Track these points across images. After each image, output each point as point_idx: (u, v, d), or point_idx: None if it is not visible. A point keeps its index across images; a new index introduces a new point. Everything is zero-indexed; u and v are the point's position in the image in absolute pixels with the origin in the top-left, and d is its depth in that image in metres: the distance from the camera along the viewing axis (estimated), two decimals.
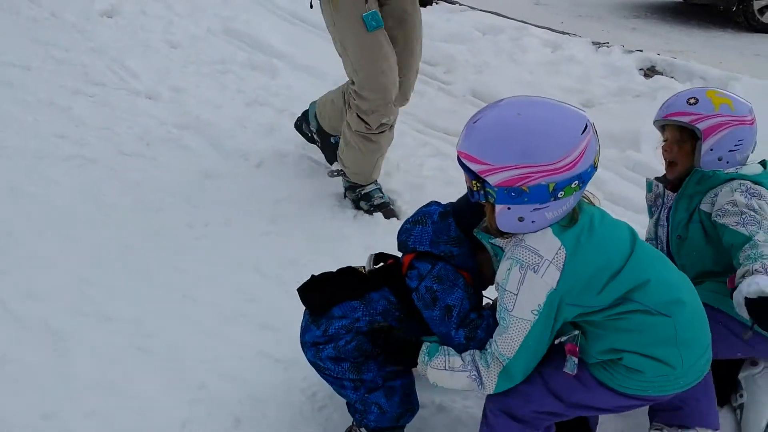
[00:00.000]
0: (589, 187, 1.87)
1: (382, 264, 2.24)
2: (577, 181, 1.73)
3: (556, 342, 1.85)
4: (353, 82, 3.34)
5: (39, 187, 3.60)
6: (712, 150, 2.37)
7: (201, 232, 3.33)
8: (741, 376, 2.43)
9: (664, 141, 2.49)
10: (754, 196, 2.26)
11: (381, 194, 3.57)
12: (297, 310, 2.80)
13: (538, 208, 1.73)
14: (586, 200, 1.89)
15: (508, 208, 1.75)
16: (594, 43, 5.62)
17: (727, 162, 2.38)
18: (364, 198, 3.54)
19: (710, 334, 1.93)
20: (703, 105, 2.37)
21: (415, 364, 2.02)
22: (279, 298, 2.89)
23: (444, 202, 2.17)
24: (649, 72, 5.22)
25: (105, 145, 4.05)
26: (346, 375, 2.13)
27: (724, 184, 2.33)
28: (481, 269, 2.08)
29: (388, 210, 3.52)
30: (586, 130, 1.73)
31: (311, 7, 3.42)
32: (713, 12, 8.55)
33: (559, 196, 1.72)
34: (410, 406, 2.20)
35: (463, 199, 2.06)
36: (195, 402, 2.43)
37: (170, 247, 3.21)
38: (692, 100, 2.39)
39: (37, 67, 4.93)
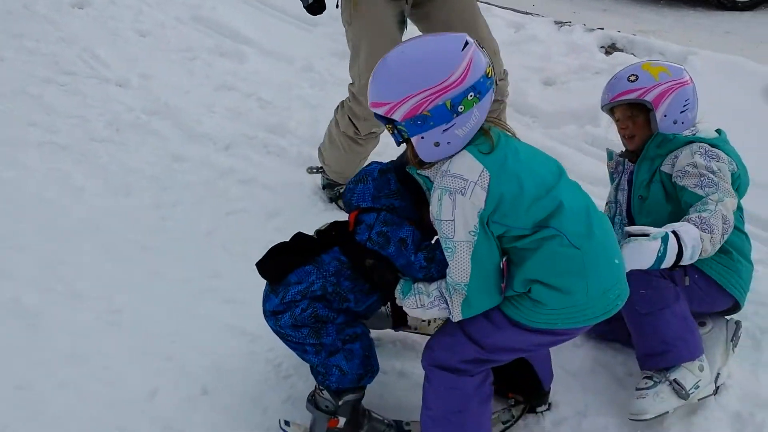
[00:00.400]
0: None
1: (327, 224, 2.31)
2: (472, 93, 1.85)
3: None
4: (353, 84, 3.35)
5: (11, 173, 3.68)
6: (666, 116, 2.52)
7: (169, 213, 3.43)
8: None
9: (616, 121, 2.63)
10: (713, 159, 2.41)
11: None
12: (262, 285, 2.91)
13: (447, 128, 1.86)
14: (509, 133, 2.00)
15: (422, 138, 1.88)
16: (556, 23, 5.71)
17: (682, 123, 2.54)
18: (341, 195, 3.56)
19: (623, 271, 2.01)
20: (644, 78, 2.52)
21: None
22: (245, 274, 2.95)
23: None
24: (610, 49, 5.31)
25: (75, 132, 4.12)
26: (306, 340, 2.22)
27: (684, 146, 2.48)
28: (422, 219, 2.15)
29: None
30: (467, 46, 1.86)
31: (337, 6, 3.37)
32: None
33: (459, 110, 1.85)
34: (370, 367, 2.30)
35: (403, 156, 2.16)
36: (163, 372, 2.54)
37: (139, 227, 3.30)
38: (632, 77, 2.53)
39: (9, 58, 4.98)
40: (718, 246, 2.24)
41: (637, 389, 2.33)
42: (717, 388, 2.42)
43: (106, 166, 3.80)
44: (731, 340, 2.52)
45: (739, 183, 2.49)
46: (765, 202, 3.33)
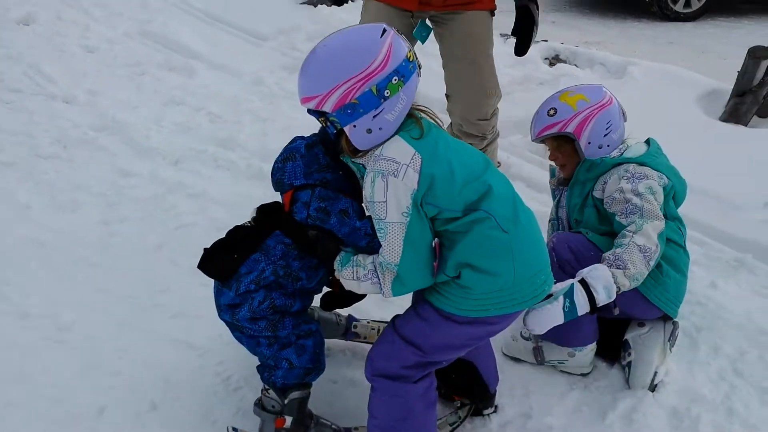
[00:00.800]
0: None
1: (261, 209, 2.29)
2: (396, 77, 1.89)
3: None
4: None
5: None
6: (590, 143, 2.59)
7: (117, 229, 3.41)
8: (628, 336, 2.62)
9: (548, 151, 2.72)
10: (640, 179, 2.48)
11: None
12: (210, 298, 2.92)
13: (376, 114, 1.90)
14: (436, 125, 2.04)
15: (354, 126, 1.92)
16: (502, 35, 5.82)
17: (608, 146, 2.60)
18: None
19: (547, 258, 2.09)
20: (562, 111, 2.59)
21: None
22: (193, 289, 2.98)
23: None
24: (554, 60, 5.45)
25: (21, 150, 4.08)
26: (262, 333, 2.22)
27: (612, 170, 2.55)
28: (356, 190, 2.15)
29: None
30: (385, 33, 1.90)
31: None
32: (629, 3, 8.91)
33: (386, 95, 1.89)
34: (318, 364, 2.31)
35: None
36: (111, 388, 2.52)
37: (86, 244, 3.28)
38: (551, 111, 2.60)
39: None
40: (641, 276, 2.32)
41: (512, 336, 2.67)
42: (655, 386, 2.51)
43: (52, 183, 3.77)
44: (668, 340, 2.61)
45: (674, 192, 2.58)
46: (700, 206, 3.44)
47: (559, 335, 2.44)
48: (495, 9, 3.35)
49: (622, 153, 2.59)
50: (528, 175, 3.98)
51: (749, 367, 2.62)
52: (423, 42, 3.30)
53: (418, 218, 1.91)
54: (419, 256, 1.95)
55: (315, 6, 6.56)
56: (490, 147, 3.61)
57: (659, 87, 4.82)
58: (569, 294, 2.21)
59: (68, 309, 2.87)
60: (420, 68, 1.96)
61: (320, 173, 2.13)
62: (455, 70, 3.40)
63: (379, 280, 2.00)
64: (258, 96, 4.90)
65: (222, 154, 4.10)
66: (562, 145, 2.64)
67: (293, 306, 2.24)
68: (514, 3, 3.29)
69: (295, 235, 2.17)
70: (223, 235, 2.29)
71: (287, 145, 2.21)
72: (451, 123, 3.59)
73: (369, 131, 1.93)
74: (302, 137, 2.22)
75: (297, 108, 4.82)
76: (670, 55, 6.78)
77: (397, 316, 2.15)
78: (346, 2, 3.52)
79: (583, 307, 2.23)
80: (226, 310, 2.25)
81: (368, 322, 2.76)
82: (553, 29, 7.61)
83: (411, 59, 1.93)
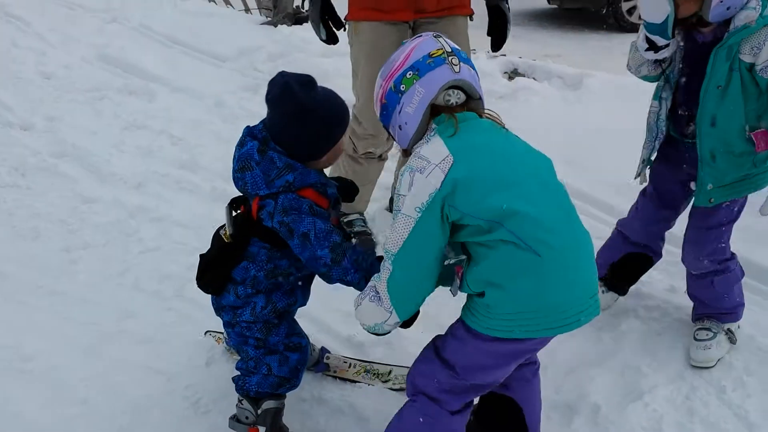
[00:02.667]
0: None
1: (237, 215, 2.29)
2: (410, 72, 1.97)
3: (446, 263, 1.95)
4: (354, 104, 3.45)
5: None
6: (722, 1, 2.29)
7: (79, 256, 3.38)
8: None
9: None
10: None
11: (363, 224, 3.63)
12: (177, 323, 2.91)
13: (399, 109, 1.99)
14: (496, 121, 2.04)
15: (391, 127, 2.04)
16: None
17: (734, 7, 2.31)
18: (347, 225, 3.59)
19: (589, 290, 1.95)
20: None
21: None
22: (158, 313, 2.98)
23: None
24: (512, 74, 5.53)
25: None
26: (254, 334, 2.26)
27: (760, 30, 2.29)
28: (321, 176, 2.19)
29: (366, 239, 3.57)
30: (412, 39, 2.06)
31: (344, 29, 3.48)
32: (586, 15, 9.08)
33: (402, 89, 1.97)
34: (295, 379, 2.33)
35: (273, 115, 2.16)
36: (78, 416, 2.49)
37: (48, 272, 3.25)
38: None
39: None
40: None
41: (699, 340, 2.69)
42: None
43: (11, 212, 3.72)
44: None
45: None
46: None
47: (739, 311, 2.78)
48: (473, 14, 3.45)
49: (763, 7, 2.30)
50: None
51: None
52: None
53: (434, 220, 1.89)
54: (420, 257, 1.93)
55: (275, 26, 6.58)
56: None
57: (614, 98, 4.90)
58: None
59: (32, 338, 2.83)
60: (455, 63, 1.95)
61: (281, 178, 2.11)
62: None
63: (375, 291, 2.00)
64: (220, 117, 4.90)
65: (184, 177, 4.09)
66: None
67: (295, 302, 2.30)
68: (485, 4, 3.42)
69: (271, 240, 2.18)
70: (203, 254, 2.34)
71: (239, 149, 2.17)
72: None
73: (400, 128, 2.01)
74: (250, 133, 2.18)
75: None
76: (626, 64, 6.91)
77: (437, 337, 2.12)
78: (335, 43, 3.52)
79: None
80: (228, 310, 2.28)
81: (342, 356, 2.76)
82: (514, 43, 7.68)
83: (433, 55, 1.97)
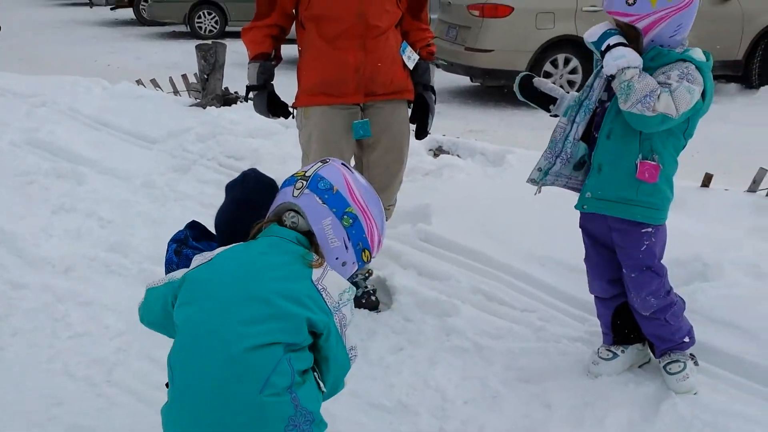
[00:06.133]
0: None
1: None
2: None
3: None
4: None
5: None
6: (653, 41, 2.64)
7: (7, 342, 3.33)
8: None
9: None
10: (691, 82, 2.57)
11: None
12: (106, 409, 2.89)
13: None
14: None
15: None
16: None
17: (669, 45, 2.66)
18: None
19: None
20: (641, 5, 2.58)
21: None
22: (88, 399, 2.95)
23: None
24: (437, 151, 5.74)
25: None
26: None
27: (676, 63, 2.62)
28: None
29: None
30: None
31: (293, 117, 3.57)
32: (508, 92, 9.48)
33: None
34: None
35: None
36: None
37: None
38: (631, 1, 2.59)
39: None
40: (633, 90, 2.54)
41: (674, 373, 2.89)
42: None
43: None
44: None
45: (699, 108, 2.65)
46: (573, 281, 3.64)
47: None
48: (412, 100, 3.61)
49: (684, 51, 2.65)
50: (419, 263, 4.13)
51: None
52: (367, 135, 3.47)
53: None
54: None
55: (204, 108, 6.69)
56: None
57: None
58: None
59: None
60: (298, 188, 2.11)
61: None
62: (379, 157, 3.56)
63: None
64: (149, 198, 4.93)
65: (113, 260, 4.08)
66: (624, 29, 2.66)
67: None
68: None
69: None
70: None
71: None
72: None
73: None
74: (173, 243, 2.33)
75: (188, 209, 4.89)
76: (547, 140, 7.20)
77: None
78: (287, 117, 3.63)
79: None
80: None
81: None
82: (438, 119, 7.92)
83: (296, 175, 2.15)
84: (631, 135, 2.68)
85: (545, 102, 2.94)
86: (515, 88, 2.94)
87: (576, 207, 2.90)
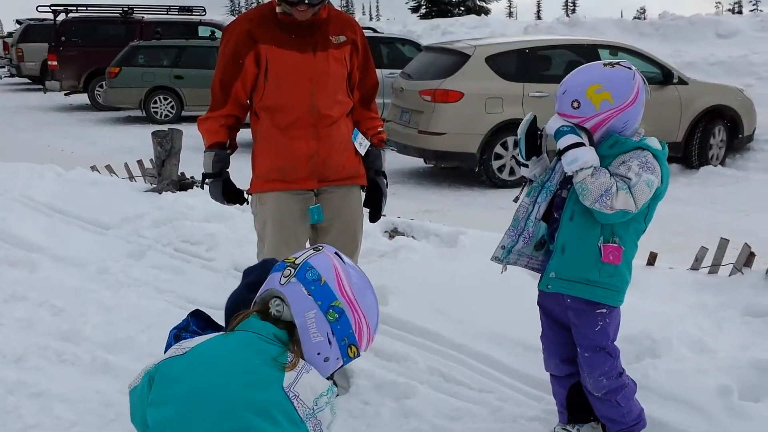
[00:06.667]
0: None
1: None
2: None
3: None
4: None
5: None
6: (603, 137, 2.77)
7: None
8: None
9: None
10: (649, 171, 2.70)
11: None
12: None
13: None
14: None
15: None
16: None
17: (623, 135, 2.78)
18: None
19: None
20: (585, 107, 2.74)
21: None
22: None
23: None
24: (392, 233, 5.82)
25: None
26: None
27: (633, 152, 2.74)
28: None
29: None
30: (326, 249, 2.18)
31: (248, 203, 3.59)
32: (461, 173, 9.70)
33: None
34: None
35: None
36: None
37: None
38: (575, 104, 2.75)
39: None
40: (588, 188, 2.68)
41: None
42: None
43: None
44: None
45: (658, 194, 2.79)
46: (530, 362, 3.70)
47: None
48: (366, 185, 3.70)
49: (641, 139, 2.78)
50: (376, 345, 4.14)
51: None
52: (320, 220, 3.53)
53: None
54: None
55: (159, 193, 6.71)
56: None
57: (487, 253, 5.22)
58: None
59: None
60: (286, 276, 2.07)
61: None
62: (333, 240, 3.60)
63: None
64: (103, 285, 4.88)
65: (66, 348, 4.01)
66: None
67: None
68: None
69: None
70: None
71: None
72: None
73: None
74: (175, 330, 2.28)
75: (143, 295, 4.85)
76: (500, 219, 7.33)
77: None
78: (241, 204, 3.68)
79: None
80: None
81: None
82: (393, 200, 8.03)
83: (287, 260, 2.10)
84: (593, 218, 2.80)
85: (532, 150, 3.00)
86: (525, 121, 2.98)
87: (539, 287, 2.99)
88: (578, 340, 2.97)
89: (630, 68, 2.81)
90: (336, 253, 2.13)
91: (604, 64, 2.85)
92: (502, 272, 3.11)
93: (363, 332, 2.05)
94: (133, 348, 4.02)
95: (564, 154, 2.74)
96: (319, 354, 2.00)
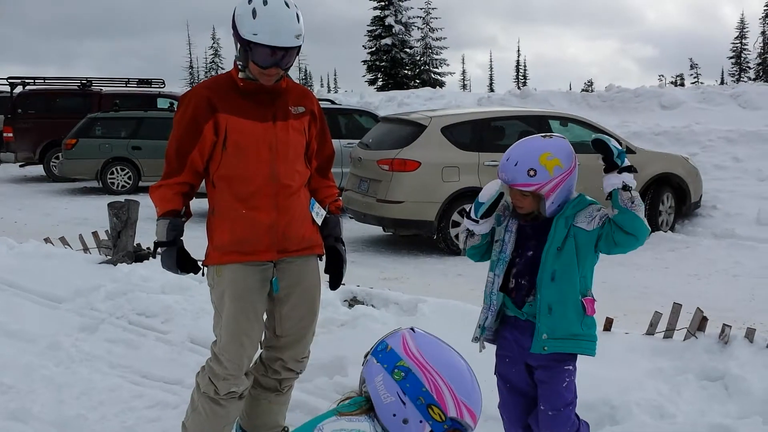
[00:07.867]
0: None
1: None
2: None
3: None
4: (215, 342, 3.45)
5: None
6: (552, 202, 2.95)
7: None
8: None
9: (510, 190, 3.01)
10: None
11: None
12: None
13: None
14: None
15: None
16: None
17: (561, 202, 2.98)
18: None
19: None
20: (541, 174, 2.90)
21: None
22: None
23: None
24: (352, 302, 5.80)
25: None
26: None
27: (588, 206, 2.99)
28: None
29: None
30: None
31: (203, 273, 3.53)
32: (420, 240, 9.76)
33: None
34: None
35: None
36: None
37: None
38: (532, 172, 2.89)
39: None
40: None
41: None
42: None
43: None
44: None
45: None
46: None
47: None
48: (323, 254, 3.69)
49: (579, 196, 3.02)
50: None
51: None
52: (276, 292, 3.50)
53: None
54: None
55: (114, 264, 6.62)
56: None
57: (445, 321, 5.24)
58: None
59: None
60: None
61: None
62: (291, 310, 3.57)
63: None
64: (53, 361, 4.75)
65: (14, 428, 3.88)
66: (528, 196, 2.95)
67: None
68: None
69: None
70: None
71: None
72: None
73: None
74: None
75: (96, 370, 4.74)
76: (460, 286, 7.42)
77: None
78: (196, 273, 3.62)
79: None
80: None
81: None
82: (353, 268, 8.00)
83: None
84: (572, 274, 2.94)
85: (487, 212, 3.12)
86: (495, 191, 3.07)
87: (533, 350, 2.99)
88: (545, 397, 2.99)
89: (564, 138, 3.04)
90: (412, 328, 2.20)
91: (543, 137, 3.05)
92: (480, 351, 3.16)
93: (442, 392, 2.04)
94: (84, 426, 3.90)
95: (630, 171, 2.91)
96: (395, 416, 2.05)
